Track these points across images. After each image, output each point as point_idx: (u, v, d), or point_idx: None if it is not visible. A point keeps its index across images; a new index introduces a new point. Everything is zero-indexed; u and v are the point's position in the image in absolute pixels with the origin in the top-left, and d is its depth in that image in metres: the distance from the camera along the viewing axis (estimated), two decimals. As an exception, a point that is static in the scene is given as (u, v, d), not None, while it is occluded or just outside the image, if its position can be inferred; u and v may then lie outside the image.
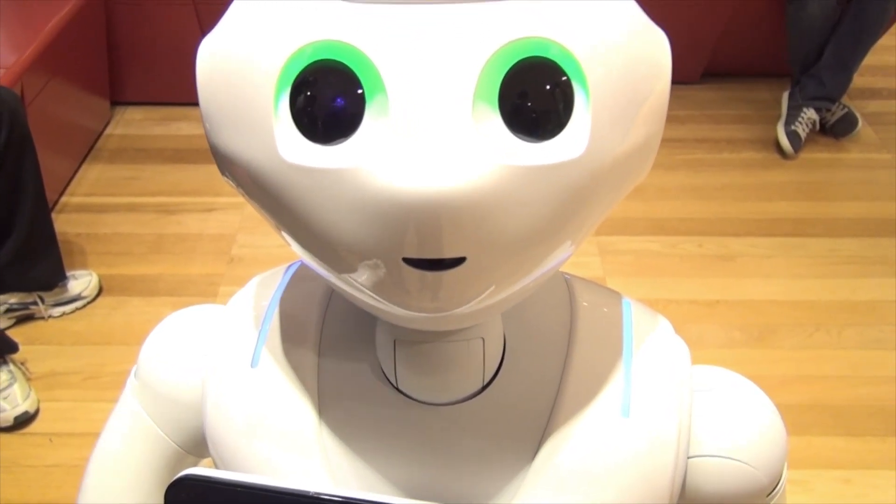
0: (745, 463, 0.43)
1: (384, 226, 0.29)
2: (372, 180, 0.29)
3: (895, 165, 2.23)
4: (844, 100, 2.30)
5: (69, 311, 1.77)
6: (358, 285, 0.33)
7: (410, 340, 0.39)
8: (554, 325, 0.44)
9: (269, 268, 0.50)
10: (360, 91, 0.30)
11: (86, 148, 2.26)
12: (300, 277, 0.47)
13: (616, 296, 0.47)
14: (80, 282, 1.79)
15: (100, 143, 2.31)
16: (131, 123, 2.41)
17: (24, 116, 1.58)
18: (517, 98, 0.30)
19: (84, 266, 1.88)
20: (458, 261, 0.30)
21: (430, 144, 0.28)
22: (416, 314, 0.33)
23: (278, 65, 0.30)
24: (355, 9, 0.30)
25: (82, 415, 1.54)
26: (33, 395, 1.57)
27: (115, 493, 0.49)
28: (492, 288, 0.33)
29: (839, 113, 2.29)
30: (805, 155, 2.26)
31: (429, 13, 0.29)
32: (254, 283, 0.48)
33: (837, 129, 2.30)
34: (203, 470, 0.39)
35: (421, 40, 0.29)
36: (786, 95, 2.32)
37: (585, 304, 0.45)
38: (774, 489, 0.46)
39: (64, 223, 1.98)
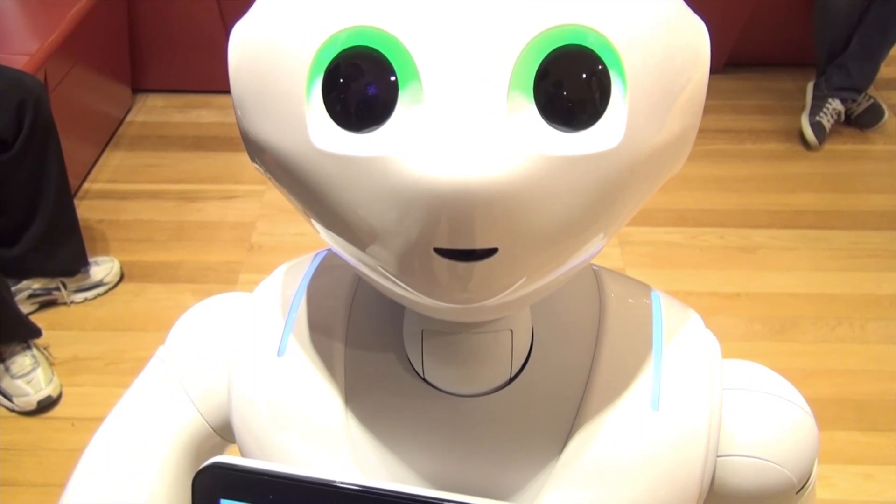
0: (776, 463, 0.43)
1: (416, 216, 0.29)
2: (404, 169, 0.28)
3: (922, 158, 2.20)
4: (870, 91, 2.27)
5: (91, 297, 1.78)
6: (387, 275, 0.33)
7: (438, 331, 0.39)
8: (583, 316, 0.43)
9: (289, 256, 0.50)
10: (393, 78, 0.29)
11: (107, 135, 2.28)
12: (327, 266, 0.47)
13: (645, 288, 0.46)
14: (102, 268, 1.80)
15: (121, 130, 2.33)
16: (152, 110, 2.42)
17: (47, 103, 1.59)
18: (553, 87, 0.30)
19: (106, 252, 1.89)
20: (490, 251, 0.30)
21: (464, 133, 0.28)
22: (446, 305, 0.33)
23: (311, 51, 0.30)
24: None
25: (104, 399, 1.53)
26: (56, 380, 1.58)
27: (128, 465, 0.46)
28: (523, 279, 0.32)
29: (865, 104, 2.26)
30: (829, 146, 2.23)
31: (465, 2, 0.29)
32: (281, 270, 0.48)
33: (863, 121, 2.27)
34: (231, 458, 0.39)
35: (456, 27, 0.29)
36: (810, 86, 2.29)
37: (614, 295, 0.44)
38: (804, 486, 0.45)
39: (86, 210, 2.00)
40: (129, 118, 2.38)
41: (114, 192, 2.10)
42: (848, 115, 2.27)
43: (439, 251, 0.30)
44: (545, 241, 0.31)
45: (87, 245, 1.78)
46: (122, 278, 1.83)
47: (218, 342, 0.47)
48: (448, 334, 0.39)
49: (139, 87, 2.44)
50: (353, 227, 0.31)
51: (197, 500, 0.39)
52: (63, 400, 1.58)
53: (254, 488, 0.38)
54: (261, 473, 0.38)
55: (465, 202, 0.28)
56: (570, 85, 0.30)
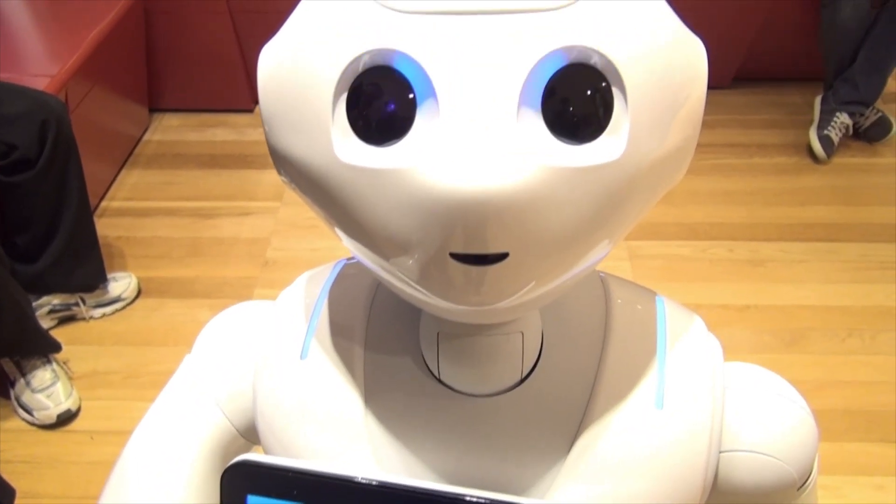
0: (777, 458, 0.45)
1: (433, 222, 0.31)
2: (423, 179, 0.31)
3: (930, 170, 2.20)
4: (878, 104, 2.27)
5: (109, 313, 1.81)
6: (406, 279, 0.35)
7: (453, 333, 0.41)
8: (590, 320, 0.45)
9: (303, 271, 0.52)
10: (411, 96, 0.32)
11: (125, 153, 2.31)
12: (347, 274, 0.49)
13: (650, 293, 0.48)
14: (120, 283, 1.82)
15: (138, 149, 2.36)
16: (168, 130, 2.46)
17: (69, 123, 1.62)
18: (559, 103, 0.32)
19: (124, 268, 1.92)
20: (502, 256, 0.32)
21: (478, 146, 0.30)
22: (460, 307, 0.35)
23: (337, 72, 0.33)
24: (408, 19, 0.32)
25: (122, 413, 1.58)
26: (75, 394, 1.61)
27: (161, 471, 0.48)
28: (533, 283, 0.34)
29: (873, 117, 2.26)
30: (838, 160, 2.23)
31: (477, 23, 0.31)
32: (303, 279, 0.51)
33: (871, 134, 2.27)
34: (257, 455, 0.41)
35: (469, 48, 0.31)
36: (818, 100, 2.30)
37: (620, 300, 0.46)
38: (805, 483, 0.47)
39: (104, 226, 2.03)
40: (146, 137, 2.41)
41: (131, 210, 2.13)
42: (856, 129, 2.27)
43: (454, 256, 0.32)
44: (553, 246, 0.33)
45: (106, 261, 1.80)
46: (139, 294, 1.86)
47: (242, 348, 0.50)
48: (463, 336, 0.41)
49: (156, 107, 2.48)
50: (374, 235, 0.34)
51: (225, 497, 0.41)
52: (82, 413, 1.60)
53: (279, 484, 0.40)
54: (285, 470, 0.40)
55: (479, 209, 0.30)
56: (576, 101, 0.32)
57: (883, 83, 2.20)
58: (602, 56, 0.32)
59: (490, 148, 0.30)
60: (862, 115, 2.25)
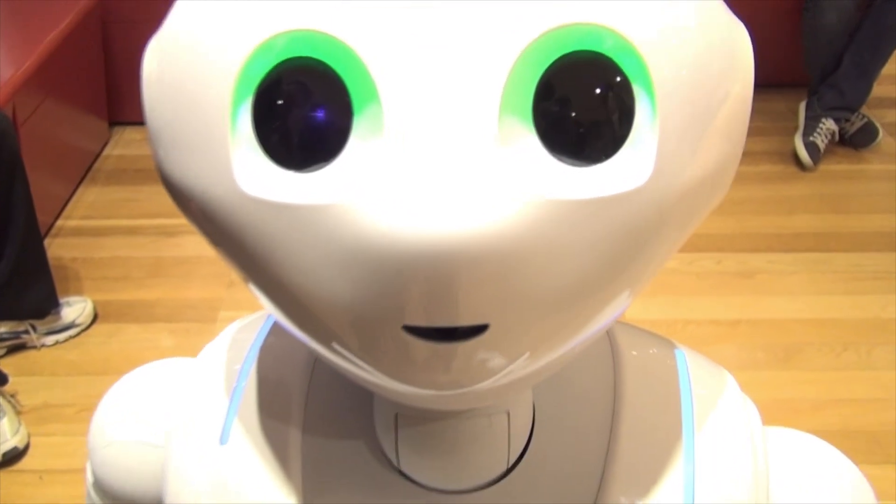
0: None
1: (377, 283, 0.22)
2: (360, 221, 0.21)
3: (919, 176, 2.16)
4: (863, 109, 2.24)
5: (63, 340, 1.71)
6: (345, 354, 0.26)
7: (417, 416, 0.32)
8: (595, 384, 0.36)
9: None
10: (345, 100, 0.22)
11: (83, 169, 2.23)
12: (282, 329, 0.40)
13: (667, 345, 0.39)
14: (75, 308, 1.74)
15: (97, 165, 2.28)
16: (130, 144, 2.37)
17: (14, 139, 1.54)
18: (558, 108, 0.23)
19: (79, 292, 1.83)
20: (478, 329, 0.23)
21: (440, 173, 0.21)
22: (423, 392, 0.26)
23: (237, 63, 0.23)
24: None
25: (75, 450, 1.48)
26: (23, 430, 1.51)
27: None
28: (524, 356, 0.25)
29: (858, 123, 2.23)
30: (824, 167, 2.20)
31: None
32: (230, 332, 0.41)
33: (857, 140, 2.24)
34: None
35: (428, 32, 0.22)
36: (803, 106, 2.26)
37: (631, 357, 0.37)
38: None
39: (59, 248, 1.94)
40: (105, 152, 2.33)
41: (89, 229, 2.05)
42: (842, 135, 2.24)
43: (411, 329, 0.22)
44: (549, 309, 0.24)
45: (60, 285, 1.72)
46: (95, 319, 1.77)
47: (148, 435, 0.39)
48: (429, 420, 0.31)
49: (116, 120, 2.40)
50: (296, 295, 0.24)
51: None
52: (31, 451, 1.50)
53: None
54: None
55: (442, 265, 0.21)
56: (581, 104, 0.23)
57: (868, 88, 2.18)
58: (618, 38, 0.23)
59: (458, 176, 0.21)
60: (847, 120, 2.22)
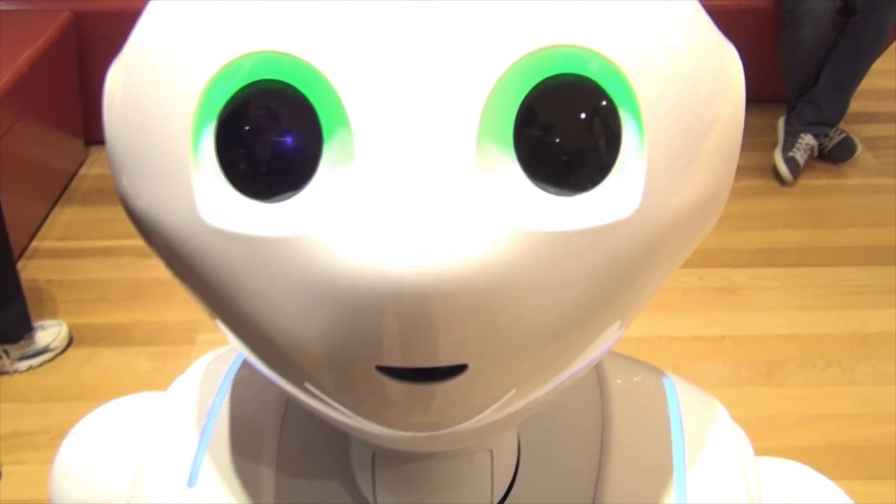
0: None
1: (348, 322, 0.20)
2: (329, 255, 0.20)
3: (897, 190, 2.18)
4: (842, 125, 2.26)
5: (37, 365, 1.67)
6: (317, 394, 0.24)
7: (395, 456, 0.30)
8: (581, 417, 0.35)
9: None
10: (315, 126, 0.21)
11: (58, 190, 2.19)
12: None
13: (656, 374, 0.38)
14: (49, 332, 1.70)
15: (73, 185, 2.24)
16: (107, 163, 2.31)
17: (-15, 159, 1.50)
18: (540, 133, 0.22)
19: (54, 315, 1.78)
20: (458, 368, 0.21)
21: (414, 203, 0.19)
22: (400, 433, 0.24)
23: (199, 85, 0.21)
24: (308, 8, 0.21)
25: (48, 480, 1.44)
26: (-5, 459, 1.46)
27: None
28: (510, 394, 0.24)
29: (837, 138, 2.25)
30: (804, 182, 2.21)
31: (413, 14, 0.21)
32: (200, 365, 0.39)
33: (836, 155, 2.26)
34: None
35: (400, 54, 0.20)
36: (782, 121, 2.28)
37: (619, 388, 0.36)
38: None
39: (33, 270, 1.90)
40: (81, 172, 2.29)
41: (64, 251, 2.00)
42: (821, 150, 2.25)
43: (385, 370, 0.21)
44: (533, 346, 0.22)
45: (34, 308, 1.68)
46: (70, 343, 1.73)
47: (113, 479, 0.37)
48: (408, 459, 0.30)
49: (93, 140, 2.35)
50: (263, 333, 0.23)
51: None
52: (3, 481, 1.46)
53: None
54: None
55: (417, 304, 0.19)
56: (565, 130, 0.22)
57: (846, 103, 2.20)
58: (603, 61, 0.21)
59: (433, 206, 0.19)
60: (826, 135, 2.24)
